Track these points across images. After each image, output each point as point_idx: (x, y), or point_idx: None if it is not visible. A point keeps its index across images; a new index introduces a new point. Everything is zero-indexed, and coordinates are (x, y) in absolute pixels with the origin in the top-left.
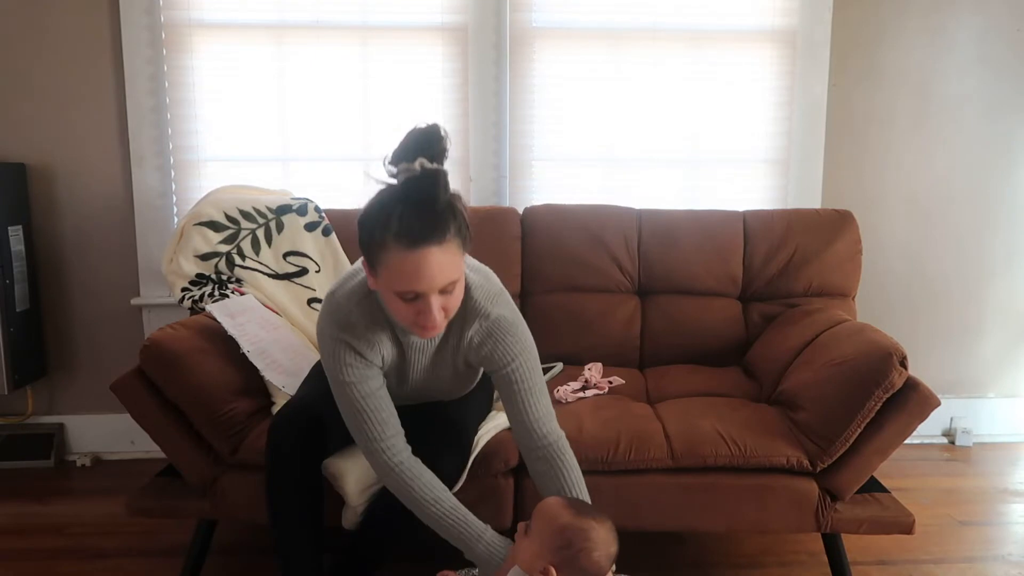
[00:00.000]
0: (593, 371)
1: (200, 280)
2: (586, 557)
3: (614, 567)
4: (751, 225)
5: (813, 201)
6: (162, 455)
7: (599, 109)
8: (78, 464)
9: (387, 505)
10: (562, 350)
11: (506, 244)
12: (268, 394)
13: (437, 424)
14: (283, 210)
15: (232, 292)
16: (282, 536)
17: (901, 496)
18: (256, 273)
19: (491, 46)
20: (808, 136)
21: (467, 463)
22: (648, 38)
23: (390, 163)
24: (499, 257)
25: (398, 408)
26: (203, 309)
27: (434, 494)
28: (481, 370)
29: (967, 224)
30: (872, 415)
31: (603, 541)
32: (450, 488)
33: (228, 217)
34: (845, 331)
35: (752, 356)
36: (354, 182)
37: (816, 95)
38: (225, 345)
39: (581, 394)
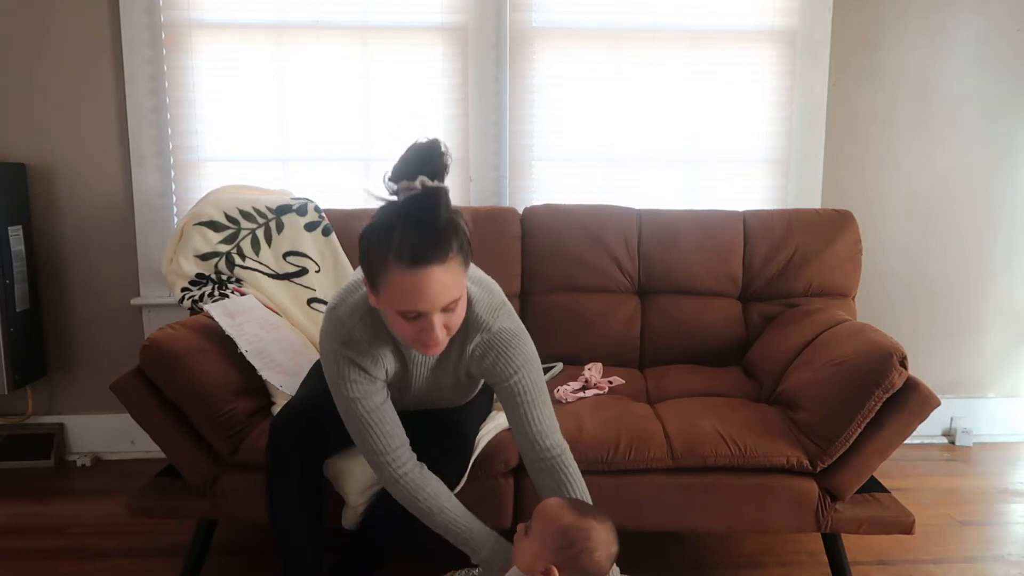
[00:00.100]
0: (593, 371)
1: (200, 280)
2: (588, 557)
3: (615, 567)
4: (751, 225)
5: (813, 201)
6: (162, 455)
7: (599, 109)
8: (78, 464)
9: (387, 506)
10: (562, 350)
11: (506, 244)
12: (268, 394)
13: (438, 427)
14: (283, 210)
15: (232, 292)
16: (282, 536)
17: (901, 496)
18: (256, 273)
19: (491, 46)
20: (808, 136)
21: (468, 465)
22: (648, 38)
23: (390, 179)
24: (499, 257)
25: (399, 413)
26: (202, 309)
27: (439, 503)
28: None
29: (967, 224)
30: (872, 415)
31: (604, 541)
32: (452, 489)
33: (228, 217)
34: (845, 331)
35: (752, 356)
36: (354, 182)
37: (816, 95)
38: (225, 345)
39: (581, 394)
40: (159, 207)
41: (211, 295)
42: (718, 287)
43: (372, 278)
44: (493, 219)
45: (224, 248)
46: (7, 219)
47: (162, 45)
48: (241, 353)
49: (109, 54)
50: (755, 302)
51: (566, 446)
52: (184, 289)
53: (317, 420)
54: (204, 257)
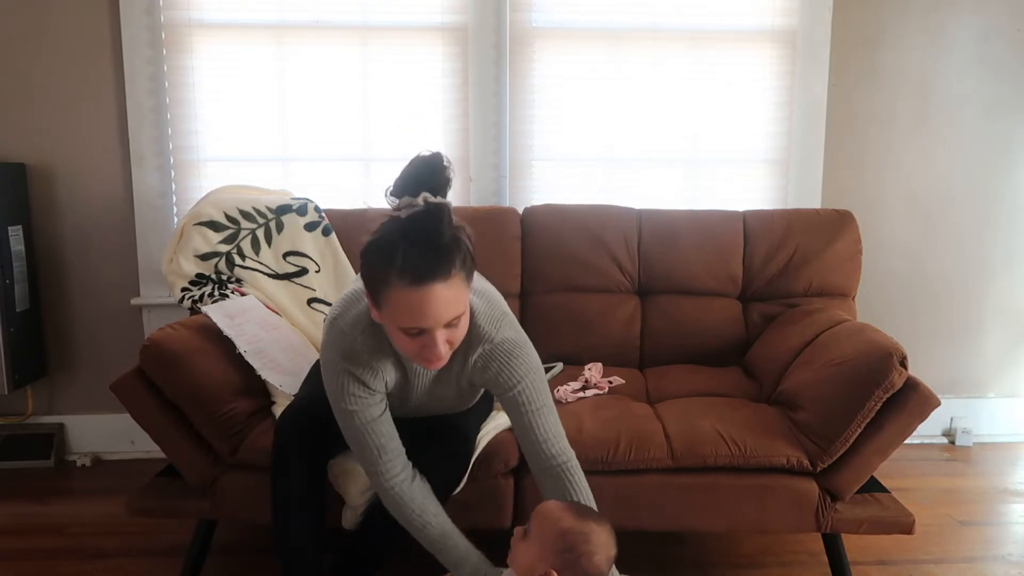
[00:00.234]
0: (593, 371)
1: (200, 280)
2: (587, 560)
3: (614, 568)
4: (751, 225)
5: (813, 201)
6: (162, 455)
7: (599, 109)
8: (78, 464)
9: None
10: (562, 350)
11: (506, 244)
12: (268, 394)
13: (439, 428)
14: (283, 210)
15: (232, 292)
16: (283, 536)
17: (901, 496)
18: (256, 273)
19: (491, 46)
20: (808, 136)
21: (468, 467)
22: (648, 38)
23: (392, 194)
24: (499, 257)
25: (400, 419)
26: (201, 310)
27: (423, 519)
28: None
29: (967, 224)
30: (872, 415)
31: (604, 544)
32: (452, 490)
33: (228, 217)
34: (845, 331)
35: (752, 356)
36: (354, 182)
37: (816, 95)
38: (225, 345)
39: (581, 394)
40: (159, 207)
41: (211, 295)
42: (718, 287)
43: (374, 294)
44: (493, 219)
45: (224, 248)
46: (7, 219)
47: (162, 45)
48: (240, 353)
49: (109, 54)
50: (755, 302)
51: (572, 453)
52: (184, 289)
53: (319, 421)
54: (204, 257)
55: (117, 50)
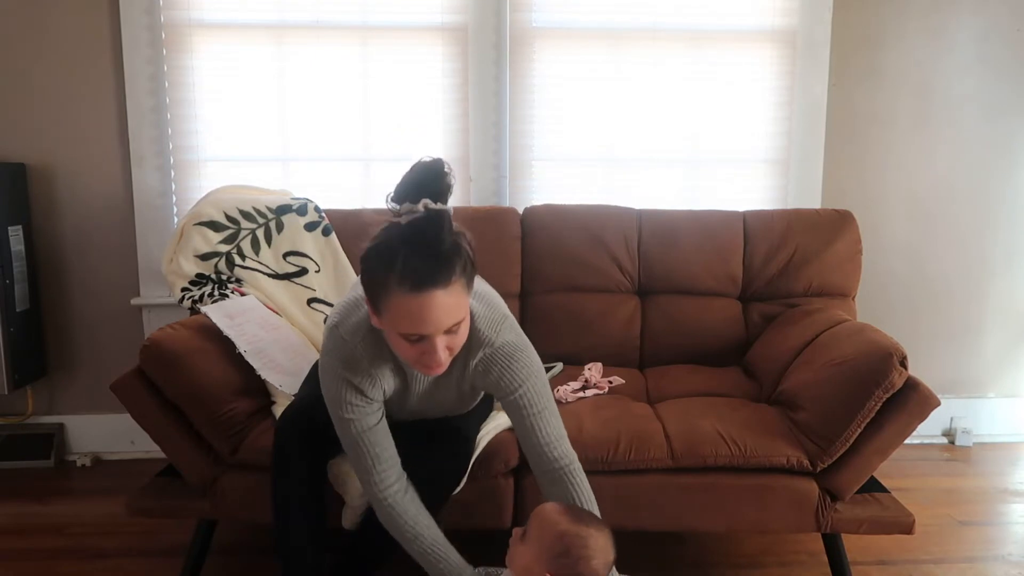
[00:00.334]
0: (593, 371)
1: (200, 280)
2: (585, 565)
3: (614, 570)
4: (751, 225)
5: (813, 201)
6: (162, 455)
7: (599, 109)
8: (78, 464)
9: None
10: (562, 350)
11: (506, 244)
12: (268, 394)
13: (438, 429)
14: (283, 210)
15: (232, 292)
16: (284, 536)
17: (901, 496)
18: (256, 273)
19: (491, 46)
20: (808, 136)
21: (468, 467)
22: (648, 38)
23: (393, 200)
24: (499, 257)
25: (399, 422)
26: (201, 310)
27: (415, 531)
28: None
29: (967, 224)
30: (872, 415)
31: (601, 549)
32: (452, 491)
33: (228, 217)
34: (845, 331)
35: (752, 356)
36: (354, 182)
37: (816, 95)
38: (225, 345)
39: (581, 394)
40: (159, 207)
41: (211, 295)
42: (718, 287)
43: (374, 300)
44: (493, 219)
45: (224, 248)
46: (7, 219)
47: (162, 45)
48: (240, 353)
49: (109, 54)
50: (755, 302)
51: (574, 455)
52: (184, 289)
53: (319, 422)
54: (204, 257)
55: (117, 50)
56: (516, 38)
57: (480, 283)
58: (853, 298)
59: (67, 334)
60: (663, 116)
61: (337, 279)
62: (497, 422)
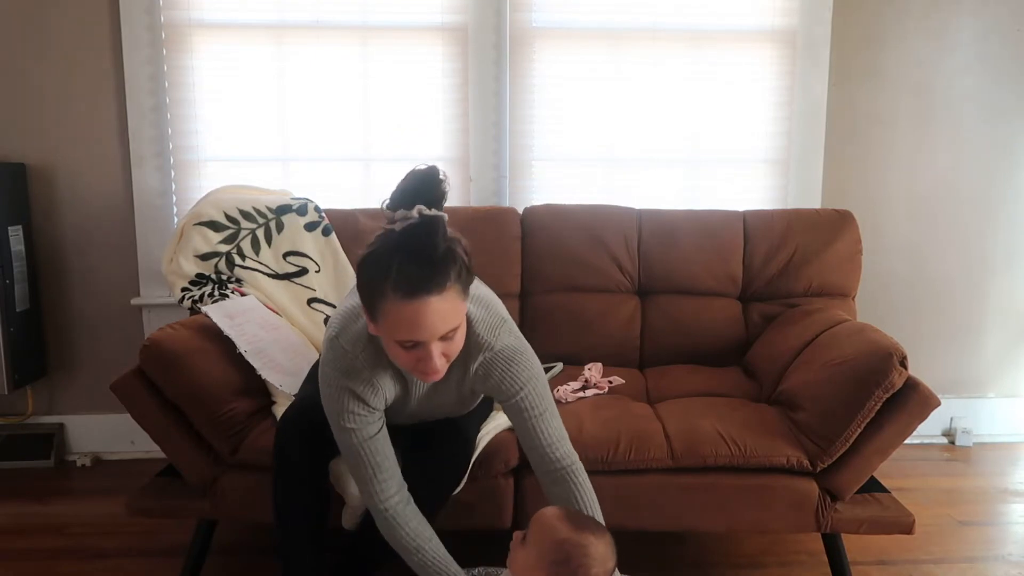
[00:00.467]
0: (593, 371)
1: (200, 280)
2: (584, 573)
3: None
4: (751, 225)
5: (813, 201)
6: (162, 455)
7: (599, 109)
8: (78, 464)
9: None
10: (562, 350)
11: (506, 244)
12: (268, 394)
13: (438, 430)
14: (283, 210)
15: (232, 292)
16: (285, 536)
17: (901, 496)
18: (256, 273)
19: (491, 46)
20: (808, 136)
21: (468, 467)
22: (648, 38)
23: (388, 207)
24: (499, 257)
25: (399, 425)
26: (201, 310)
27: (416, 544)
28: None
29: (968, 224)
30: (872, 415)
31: (601, 557)
32: (452, 491)
33: (228, 217)
34: (845, 331)
35: (752, 356)
36: (354, 182)
37: (816, 95)
38: (225, 345)
39: (581, 394)
40: (159, 207)
41: (211, 295)
42: (718, 287)
43: (370, 307)
44: (493, 219)
45: (224, 248)
46: (7, 219)
47: (162, 45)
48: (241, 353)
49: (109, 54)
50: (755, 302)
51: (576, 456)
52: (184, 289)
53: (319, 422)
54: (204, 257)
55: (117, 50)
56: (516, 38)
57: (478, 287)
58: (853, 298)
59: (67, 334)
60: (663, 116)
61: (337, 279)
62: (497, 422)
